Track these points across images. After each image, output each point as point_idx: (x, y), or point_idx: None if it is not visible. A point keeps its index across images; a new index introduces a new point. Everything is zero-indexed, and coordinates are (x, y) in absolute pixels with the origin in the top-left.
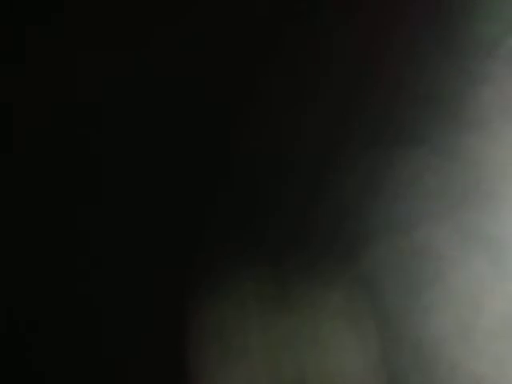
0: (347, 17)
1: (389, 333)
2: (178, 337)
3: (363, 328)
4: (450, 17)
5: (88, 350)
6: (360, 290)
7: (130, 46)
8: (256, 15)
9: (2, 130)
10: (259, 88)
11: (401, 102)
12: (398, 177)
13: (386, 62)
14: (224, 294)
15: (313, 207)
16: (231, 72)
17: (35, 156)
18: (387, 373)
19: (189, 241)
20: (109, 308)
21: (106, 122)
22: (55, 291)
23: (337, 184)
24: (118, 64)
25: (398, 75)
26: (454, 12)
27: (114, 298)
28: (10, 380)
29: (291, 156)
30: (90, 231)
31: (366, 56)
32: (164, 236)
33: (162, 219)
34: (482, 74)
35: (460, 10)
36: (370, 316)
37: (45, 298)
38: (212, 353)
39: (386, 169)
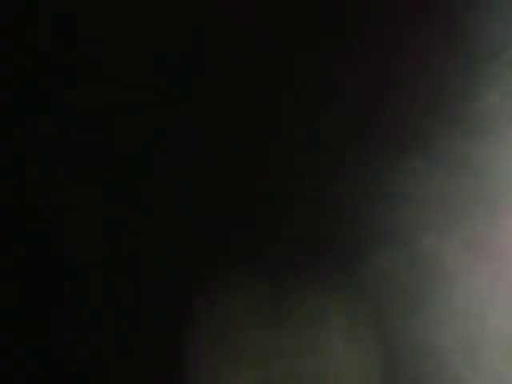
0: (350, 20)
1: (390, 347)
2: (179, 336)
3: (364, 342)
4: (456, 20)
5: (87, 350)
6: (361, 303)
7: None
8: (267, 37)
9: None
10: (268, 99)
11: (405, 106)
12: (400, 188)
13: (389, 65)
14: (223, 303)
15: (313, 218)
16: (239, 84)
17: None
18: None
19: (189, 240)
20: (108, 310)
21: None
22: (54, 291)
23: (337, 195)
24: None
25: (402, 80)
26: (461, 15)
27: (112, 301)
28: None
29: (291, 168)
30: (88, 232)
31: (365, 60)
32: (164, 235)
33: (161, 218)
34: (489, 79)
35: (467, 13)
36: (372, 330)
37: (44, 299)
38: (212, 353)
39: (387, 179)
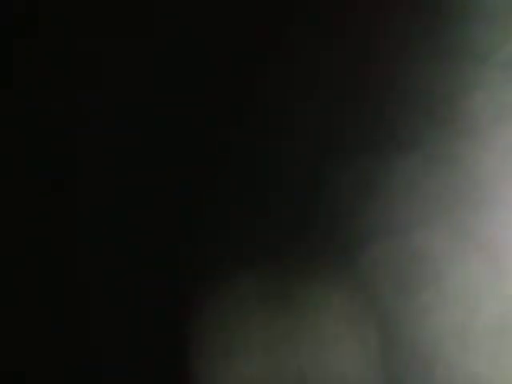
0: (339, 19)
1: (386, 332)
2: (179, 336)
3: (361, 328)
4: (445, 22)
5: (87, 351)
6: (358, 290)
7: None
8: (253, 17)
9: None
10: (256, 88)
11: (396, 105)
12: (394, 180)
13: (380, 66)
14: (224, 293)
15: (310, 209)
16: (231, 72)
17: None
18: (385, 372)
19: (189, 239)
20: (108, 309)
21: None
22: (53, 292)
23: (334, 186)
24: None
25: (393, 80)
26: (450, 17)
27: (112, 300)
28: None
29: (290, 156)
30: (89, 232)
31: (359, 60)
32: (164, 235)
33: (161, 218)
34: (476, 80)
35: (456, 15)
36: (368, 316)
37: (43, 301)
38: (213, 352)
39: (382, 172)
